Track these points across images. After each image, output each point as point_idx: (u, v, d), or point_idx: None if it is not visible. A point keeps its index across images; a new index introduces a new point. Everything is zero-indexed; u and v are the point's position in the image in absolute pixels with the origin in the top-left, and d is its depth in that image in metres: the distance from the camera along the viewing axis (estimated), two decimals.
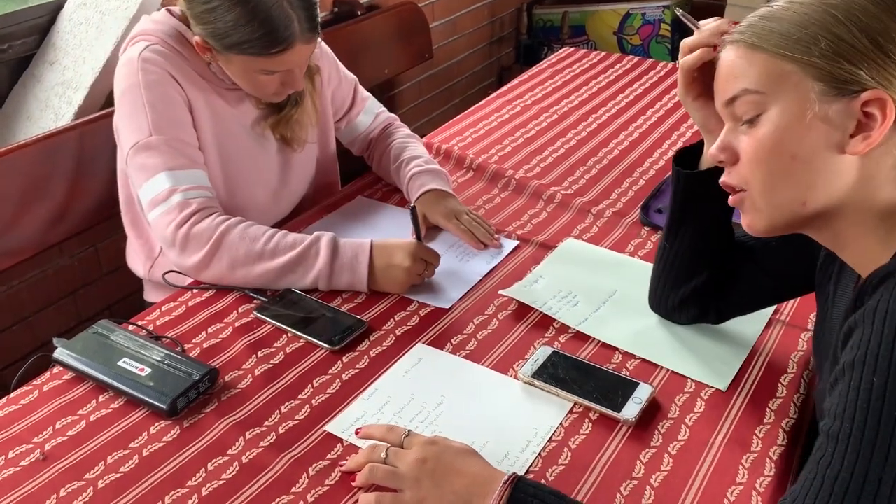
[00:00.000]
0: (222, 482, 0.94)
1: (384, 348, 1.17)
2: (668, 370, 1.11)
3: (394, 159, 1.57)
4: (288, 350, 1.16)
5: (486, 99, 2.06)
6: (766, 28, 0.76)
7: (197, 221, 1.25)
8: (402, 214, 1.51)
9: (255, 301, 1.25)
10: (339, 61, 1.58)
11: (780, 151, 0.76)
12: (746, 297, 1.12)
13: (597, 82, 2.18)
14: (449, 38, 3.18)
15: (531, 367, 1.09)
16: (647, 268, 1.19)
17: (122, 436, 1.00)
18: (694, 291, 1.11)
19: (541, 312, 1.22)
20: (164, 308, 1.24)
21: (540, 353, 1.12)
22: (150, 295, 1.56)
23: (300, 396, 1.07)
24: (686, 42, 0.95)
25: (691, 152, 1.06)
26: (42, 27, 1.92)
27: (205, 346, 1.16)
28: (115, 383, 1.05)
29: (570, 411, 1.04)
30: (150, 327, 1.20)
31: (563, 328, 1.20)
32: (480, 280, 1.33)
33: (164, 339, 1.16)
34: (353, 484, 0.92)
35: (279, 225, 1.45)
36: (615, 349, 1.15)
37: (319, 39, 1.52)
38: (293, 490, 0.93)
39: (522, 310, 1.24)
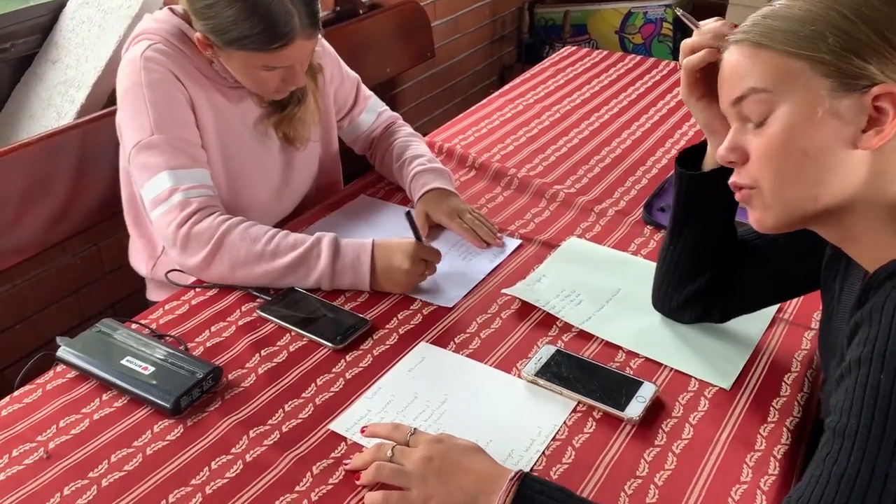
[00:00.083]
0: (226, 481, 0.94)
1: (387, 347, 1.17)
2: (671, 369, 1.11)
3: (396, 158, 1.57)
4: (291, 349, 1.16)
5: (489, 98, 2.06)
6: (771, 26, 0.76)
7: (197, 221, 1.25)
8: (404, 213, 1.51)
9: (258, 300, 1.25)
10: (341, 60, 1.58)
11: (791, 149, 0.76)
12: (750, 296, 1.12)
13: (599, 81, 2.17)
14: (450, 37, 3.18)
15: (535, 366, 1.09)
16: (651, 266, 1.18)
17: (125, 434, 1.00)
18: (697, 292, 1.11)
19: (544, 311, 1.22)
20: (167, 307, 1.24)
21: (543, 352, 1.12)
22: (152, 294, 1.56)
23: (303, 395, 1.07)
24: (687, 42, 0.95)
25: (693, 153, 1.06)
26: (44, 26, 1.92)
27: (208, 344, 1.16)
28: (118, 382, 1.05)
29: (574, 410, 1.04)
30: (154, 326, 1.20)
31: (567, 327, 1.20)
32: (483, 279, 1.33)
33: (168, 338, 1.16)
34: (358, 483, 0.92)
35: (282, 224, 1.46)
36: (619, 348, 1.15)
37: (322, 38, 1.52)
38: (297, 489, 0.93)
39: (525, 308, 1.24)
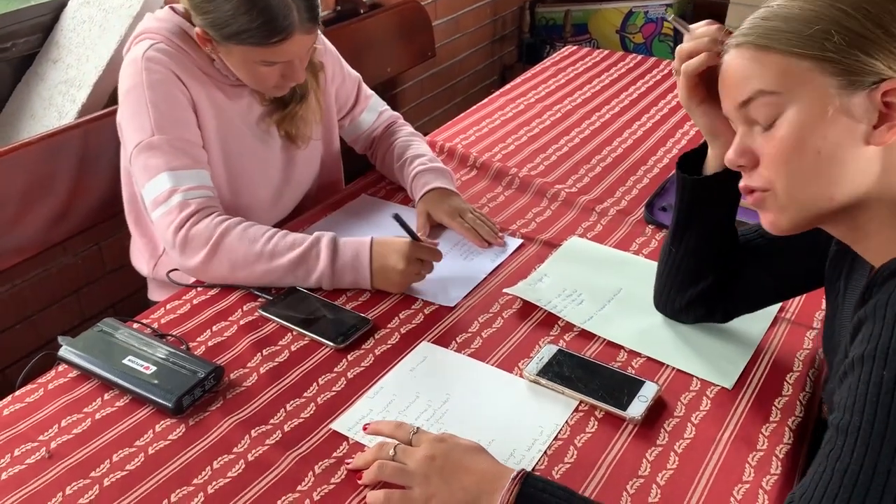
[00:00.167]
0: (228, 480, 0.94)
1: (389, 346, 1.17)
2: (673, 368, 1.11)
3: (397, 157, 1.57)
4: (293, 348, 1.16)
5: (490, 97, 2.06)
6: (773, 27, 0.76)
7: (196, 222, 1.25)
8: (406, 213, 1.50)
9: (259, 299, 1.25)
10: (342, 59, 1.58)
11: (804, 149, 0.75)
12: (753, 296, 1.12)
13: (600, 80, 2.17)
14: (451, 37, 3.18)
15: (536, 366, 1.09)
16: (652, 266, 1.18)
17: (127, 434, 1.00)
18: (700, 294, 1.11)
19: (545, 311, 1.22)
20: (168, 306, 1.24)
21: (545, 352, 1.12)
22: (154, 293, 1.56)
23: (305, 394, 1.07)
24: (684, 48, 0.94)
25: (693, 156, 1.06)
26: (45, 25, 1.92)
27: (210, 344, 1.16)
28: (120, 381, 1.05)
29: (576, 409, 1.04)
30: (155, 325, 1.20)
31: (568, 326, 1.20)
32: (485, 278, 1.32)
33: (169, 338, 1.16)
34: (360, 482, 0.92)
35: (282, 223, 1.46)
36: (620, 347, 1.15)
37: (323, 37, 1.52)
38: (299, 488, 0.93)
39: (527, 308, 1.24)
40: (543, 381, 1.07)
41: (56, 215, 1.57)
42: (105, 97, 1.82)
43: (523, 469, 0.85)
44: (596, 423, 1.02)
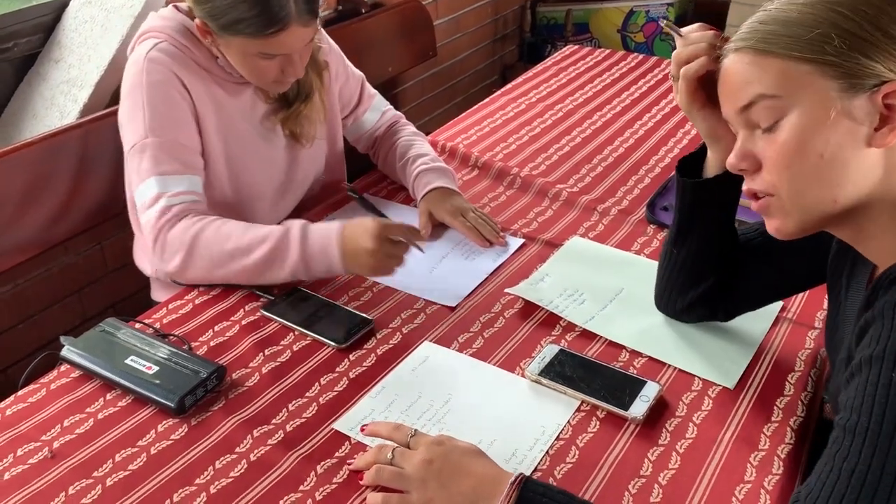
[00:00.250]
0: (230, 480, 0.94)
1: (391, 346, 1.17)
2: (675, 368, 1.11)
3: (399, 157, 1.57)
4: (295, 348, 1.16)
5: (491, 97, 2.06)
6: (773, 32, 0.76)
7: (171, 226, 1.24)
8: (407, 212, 1.51)
9: (261, 299, 1.25)
10: (346, 58, 1.58)
11: (807, 153, 0.76)
12: (754, 295, 1.12)
13: (601, 80, 2.17)
14: (452, 36, 3.18)
15: (538, 366, 1.09)
16: (654, 266, 1.18)
17: (129, 434, 1.00)
18: (702, 295, 1.11)
19: (547, 311, 1.22)
20: (170, 306, 1.25)
21: (547, 352, 1.12)
22: (157, 293, 1.56)
23: (307, 394, 1.07)
24: (681, 54, 0.95)
25: (692, 159, 1.06)
26: (47, 25, 1.92)
27: (212, 344, 1.16)
28: (122, 381, 1.05)
29: (578, 409, 1.04)
30: (157, 325, 1.20)
31: (570, 326, 1.20)
32: (486, 278, 1.33)
33: (171, 337, 1.17)
34: (361, 483, 0.92)
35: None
36: (622, 347, 1.15)
37: (327, 36, 1.52)
38: (301, 488, 0.93)
39: (529, 308, 1.24)
40: (545, 381, 1.07)
41: (57, 215, 1.57)
42: (107, 97, 1.82)
43: (521, 473, 0.85)
44: (598, 423, 1.02)
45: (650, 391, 1.04)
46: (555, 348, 1.13)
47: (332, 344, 1.16)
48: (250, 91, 1.40)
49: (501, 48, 3.59)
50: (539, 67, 2.27)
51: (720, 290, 1.10)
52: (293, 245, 1.22)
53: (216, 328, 1.19)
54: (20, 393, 1.07)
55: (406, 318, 1.23)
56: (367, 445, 0.98)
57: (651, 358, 1.13)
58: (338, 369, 1.12)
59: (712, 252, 1.09)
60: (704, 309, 1.14)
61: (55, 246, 1.65)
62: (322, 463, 0.96)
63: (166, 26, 1.32)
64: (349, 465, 0.95)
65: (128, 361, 1.07)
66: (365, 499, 0.91)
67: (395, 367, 1.12)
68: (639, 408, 1.02)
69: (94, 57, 1.82)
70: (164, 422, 1.02)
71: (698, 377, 1.10)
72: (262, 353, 1.14)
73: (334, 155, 1.61)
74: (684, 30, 0.96)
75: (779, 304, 1.22)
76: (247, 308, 1.24)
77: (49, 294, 1.92)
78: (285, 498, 0.92)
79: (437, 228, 1.45)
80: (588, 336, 1.18)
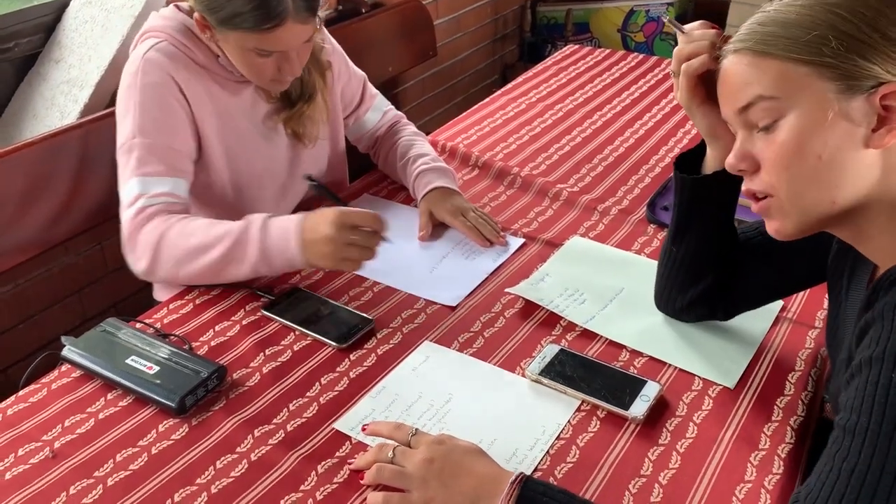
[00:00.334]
0: (231, 480, 0.94)
1: (391, 346, 1.17)
2: (675, 368, 1.11)
3: (400, 157, 1.57)
4: (295, 348, 1.16)
5: (491, 97, 2.06)
6: (771, 33, 0.76)
7: (141, 227, 1.24)
8: (408, 212, 1.51)
9: (262, 299, 1.25)
10: (348, 58, 1.58)
11: (805, 154, 0.76)
12: (754, 293, 1.12)
13: (601, 80, 2.17)
14: (452, 36, 3.18)
15: (538, 365, 1.09)
16: (654, 265, 1.18)
17: (130, 434, 1.00)
18: (701, 294, 1.11)
19: (547, 310, 1.22)
20: (171, 306, 1.25)
21: (547, 351, 1.12)
22: (159, 293, 1.56)
23: (308, 394, 1.07)
24: (683, 50, 0.95)
25: (691, 156, 1.06)
26: (47, 25, 1.92)
27: (212, 344, 1.16)
28: (123, 381, 1.05)
29: (578, 409, 1.04)
30: (158, 325, 1.20)
31: (570, 326, 1.20)
32: (487, 278, 1.33)
33: (172, 337, 1.17)
34: (362, 482, 0.93)
35: None
36: (622, 347, 1.15)
37: (329, 36, 1.53)
38: (302, 488, 0.93)
39: (529, 308, 1.24)
40: (545, 380, 1.07)
41: (57, 215, 1.57)
42: (107, 97, 1.82)
43: (522, 472, 0.85)
44: (598, 422, 1.02)
45: (650, 391, 1.04)
46: (555, 348, 1.13)
47: (333, 344, 1.16)
48: (251, 90, 1.40)
49: (502, 48, 3.59)
50: (539, 67, 2.27)
51: (720, 289, 1.10)
52: (252, 238, 1.19)
53: (217, 328, 1.20)
54: (21, 393, 1.07)
55: (406, 318, 1.23)
56: (367, 445, 0.98)
57: (651, 357, 1.13)
58: (338, 369, 1.12)
59: (711, 250, 1.09)
60: (704, 308, 1.14)
61: (56, 246, 1.65)
62: (323, 463, 0.96)
63: (167, 26, 1.32)
64: (350, 464, 0.95)
65: (128, 361, 1.07)
66: (365, 499, 0.91)
67: (395, 366, 1.12)
68: (639, 407, 1.02)
69: (95, 57, 1.82)
70: (165, 422, 1.02)
71: (698, 377, 1.10)
72: (262, 353, 1.14)
73: (336, 155, 1.61)
74: (687, 27, 0.96)
75: (779, 304, 1.22)
76: (247, 308, 1.24)
77: (49, 294, 1.92)
78: (286, 498, 0.92)
79: (438, 228, 1.45)
80: (588, 336, 1.18)
